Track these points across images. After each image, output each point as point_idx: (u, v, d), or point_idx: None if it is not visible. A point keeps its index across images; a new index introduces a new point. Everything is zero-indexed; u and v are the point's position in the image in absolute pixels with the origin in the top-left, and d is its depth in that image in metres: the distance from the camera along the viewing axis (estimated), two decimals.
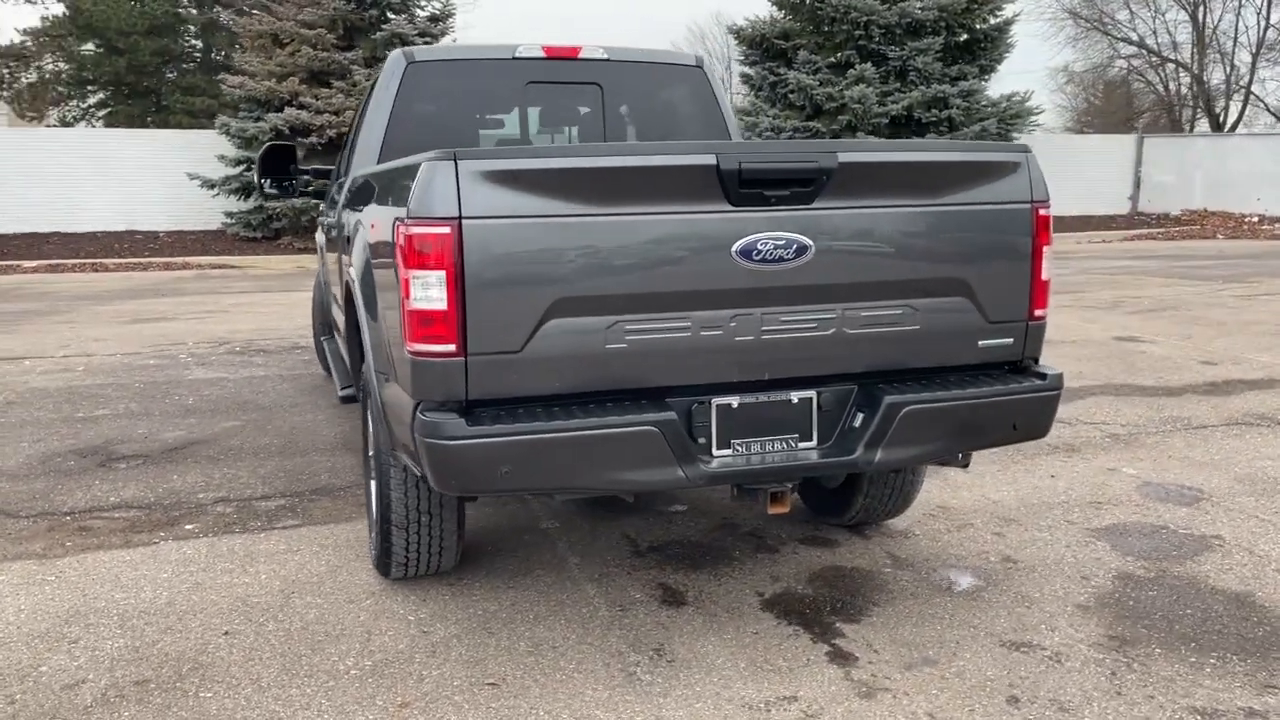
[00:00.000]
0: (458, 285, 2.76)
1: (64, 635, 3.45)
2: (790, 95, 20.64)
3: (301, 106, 17.38)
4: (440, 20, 18.63)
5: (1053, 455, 5.45)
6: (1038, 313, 3.35)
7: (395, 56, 4.85)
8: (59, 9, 31.85)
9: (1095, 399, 6.77)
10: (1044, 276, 3.34)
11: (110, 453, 5.73)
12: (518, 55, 4.95)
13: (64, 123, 32.72)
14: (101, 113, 32.26)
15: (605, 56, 5.06)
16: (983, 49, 21.09)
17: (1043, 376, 3.35)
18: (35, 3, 39.93)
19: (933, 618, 3.51)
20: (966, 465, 3.69)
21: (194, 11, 30.97)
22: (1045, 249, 3.32)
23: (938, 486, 4.89)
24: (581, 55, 5.04)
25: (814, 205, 3.01)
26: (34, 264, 17.93)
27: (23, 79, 33.47)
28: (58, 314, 11.90)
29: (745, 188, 2.92)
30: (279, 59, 17.75)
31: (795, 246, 2.99)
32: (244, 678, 3.15)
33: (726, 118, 5.23)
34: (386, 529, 3.55)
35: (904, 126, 20.45)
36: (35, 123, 33.48)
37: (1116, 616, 3.51)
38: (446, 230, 2.73)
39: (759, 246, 2.95)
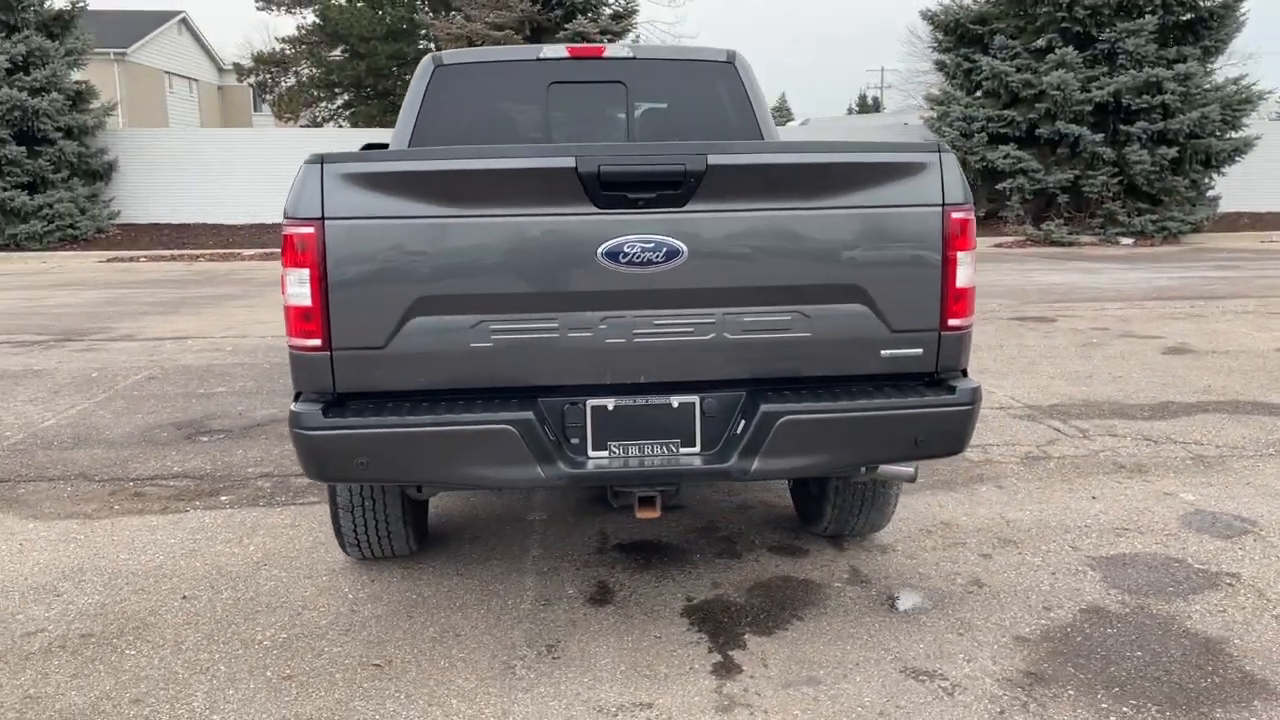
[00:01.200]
0: (321, 283, 2.90)
1: (54, 589, 3.85)
2: (985, 83, 19.70)
3: None
4: (622, 18, 18.96)
5: (1112, 475, 5.06)
6: (953, 322, 3.15)
7: (425, 61, 5.06)
8: (313, 18, 34.48)
9: (1205, 416, 6.19)
10: (961, 284, 3.13)
11: (201, 426, 6.28)
12: (542, 57, 5.05)
13: (314, 123, 35.51)
14: (347, 113, 34.79)
15: (630, 55, 5.08)
16: (1207, 28, 19.37)
17: (951, 390, 3.14)
18: (294, 12, 43.48)
19: (849, 637, 3.38)
20: (912, 479, 3.52)
21: (429, 16, 32.83)
22: (962, 255, 3.12)
23: (956, 501, 4.65)
24: (606, 54, 5.08)
25: (687, 208, 2.96)
26: (252, 252, 19.62)
27: (282, 83, 36.61)
28: (246, 298, 13.01)
29: (608, 190, 2.91)
30: None
31: (665, 250, 2.95)
32: (170, 639, 3.43)
33: (759, 114, 5.13)
34: (334, 511, 3.75)
35: (1110, 114, 19.11)
36: (291, 123, 36.57)
37: (1051, 653, 3.26)
38: (310, 230, 2.88)
39: (625, 249, 2.93)
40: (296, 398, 3.05)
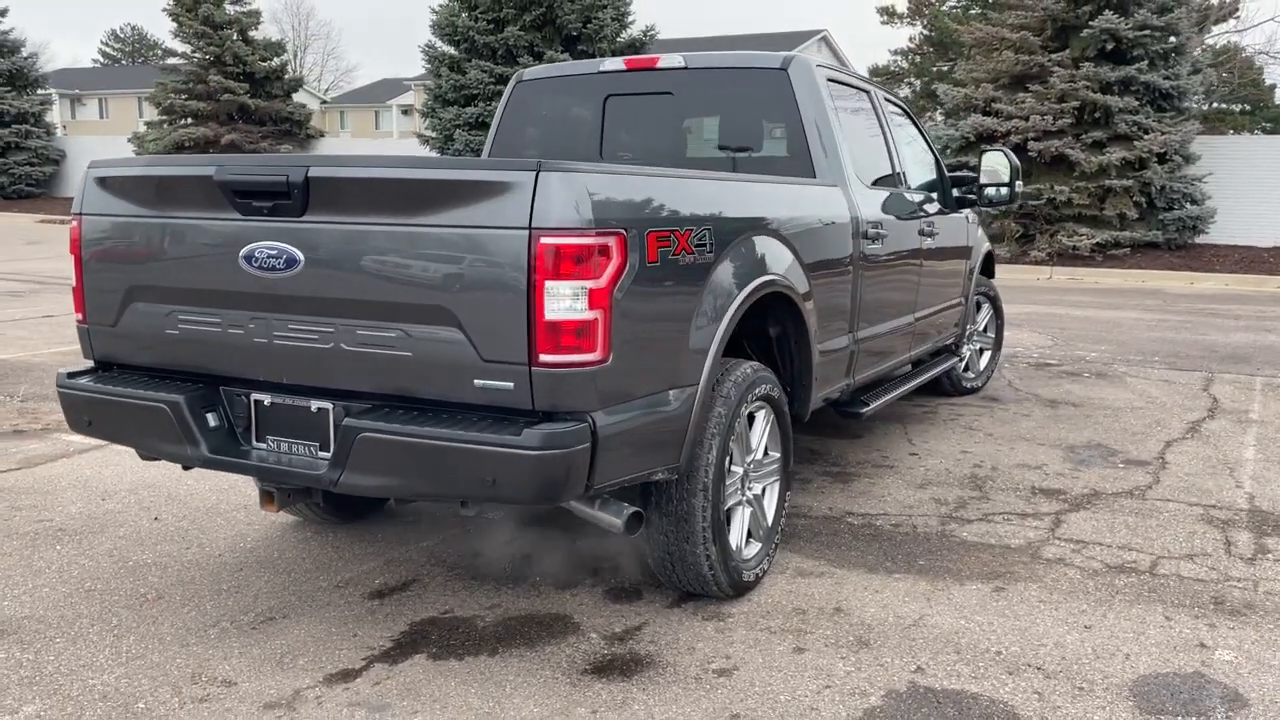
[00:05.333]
0: (81, 267, 3.54)
1: (110, 492, 4.98)
2: None
3: (991, 113, 17.20)
4: (1167, 11, 16.68)
5: (1140, 604, 3.79)
6: (545, 358, 2.81)
7: (515, 76, 5.42)
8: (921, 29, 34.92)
9: None
10: (553, 316, 2.79)
11: None
12: (602, 70, 5.12)
13: None
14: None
15: (682, 65, 4.94)
16: None
17: (517, 432, 2.82)
18: (912, 23, 44.27)
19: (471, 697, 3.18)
20: (620, 530, 3.22)
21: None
22: (554, 284, 2.78)
23: (908, 588, 3.89)
24: (659, 65, 5.00)
25: (305, 218, 3.06)
26: None
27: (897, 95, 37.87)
28: None
29: (239, 198, 3.13)
30: (988, 65, 17.76)
31: (286, 257, 3.09)
32: (107, 541, 4.30)
33: (805, 120, 4.67)
34: None
35: None
36: None
37: None
38: (75, 223, 3.53)
39: (257, 254, 3.14)
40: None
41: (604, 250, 2.85)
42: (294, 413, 3.23)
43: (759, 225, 3.77)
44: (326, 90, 69.40)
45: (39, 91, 31.89)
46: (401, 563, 4.11)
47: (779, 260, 3.88)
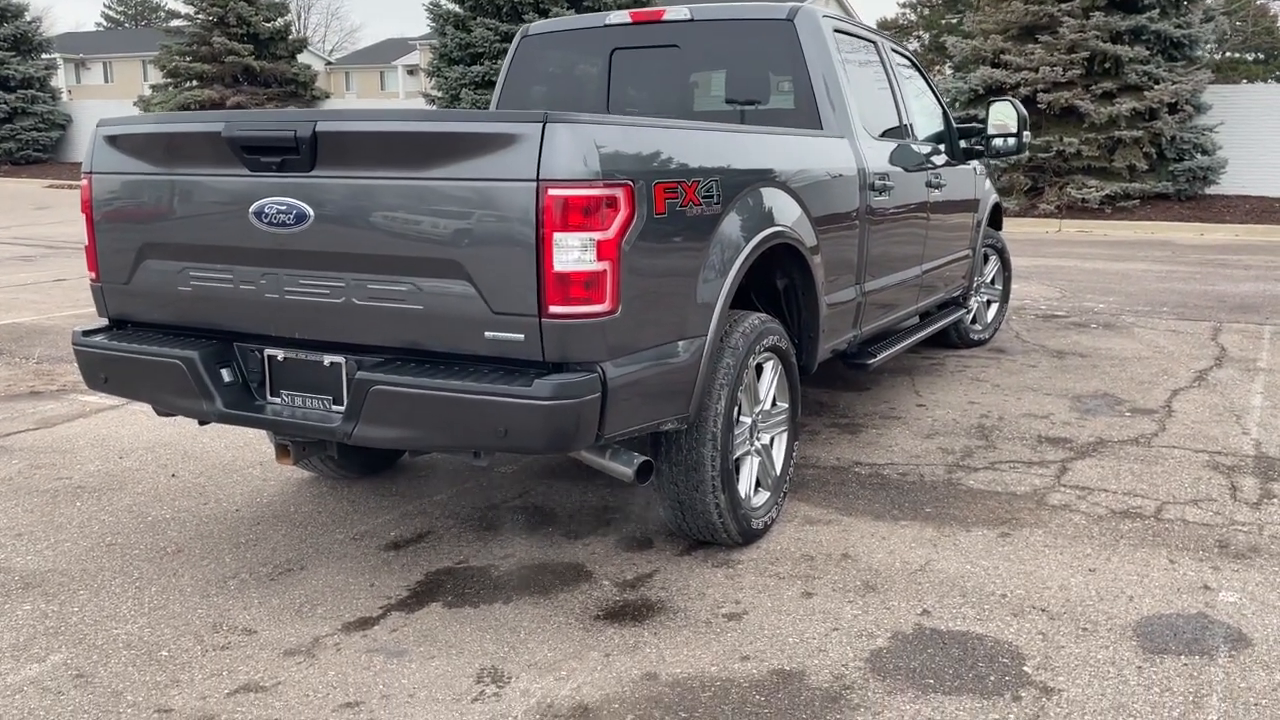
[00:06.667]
0: (93, 227, 3.57)
1: (128, 451, 5.05)
2: None
3: (1000, 65, 17.03)
4: None
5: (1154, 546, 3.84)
6: (555, 309, 2.85)
7: (520, 31, 5.41)
8: None
9: None
10: (562, 268, 2.82)
11: None
12: (608, 23, 5.11)
13: None
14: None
15: (689, 17, 4.92)
16: None
17: (528, 383, 2.86)
18: None
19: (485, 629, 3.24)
20: (630, 480, 3.27)
21: None
22: (562, 236, 2.81)
23: (933, 540, 3.94)
24: (665, 18, 4.98)
25: (314, 173, 3.09)
26: None
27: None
28: None
29: (248, 153, 3.16)
30: (996, 16, 17.56)
31: (296, 212, 3.12)
32: (126, 497, 4.37)
33: (811, 72, 4.66)
34: None
35: None
36: None
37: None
38: (85, 182, 3.56)
39: (267, 210, 3.17)
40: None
41: (612, 202, 2.87)
42: (307, 367, 3.28)
43: (766, 177, 3.78)
44: (331, 51, 68.97)
45: (43, 56, 31.76)
46: (416, 515, 4.17)
47: (786, 212, 3.90)
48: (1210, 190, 17.33)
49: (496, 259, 2.88)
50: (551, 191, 2.78)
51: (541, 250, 2.80)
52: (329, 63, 62.14)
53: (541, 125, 2.78)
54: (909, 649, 3.08)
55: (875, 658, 3.03)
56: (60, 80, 41.66)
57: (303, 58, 31.78)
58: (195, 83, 28.92)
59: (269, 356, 3.35)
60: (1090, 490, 4.38)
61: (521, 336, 2.89)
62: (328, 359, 3.23)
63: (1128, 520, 4.05)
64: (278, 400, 3.36)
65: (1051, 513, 4.14)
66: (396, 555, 3.78)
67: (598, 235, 2.84)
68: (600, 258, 2.85)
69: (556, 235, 2.79)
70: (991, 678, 2.92)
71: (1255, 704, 2.77)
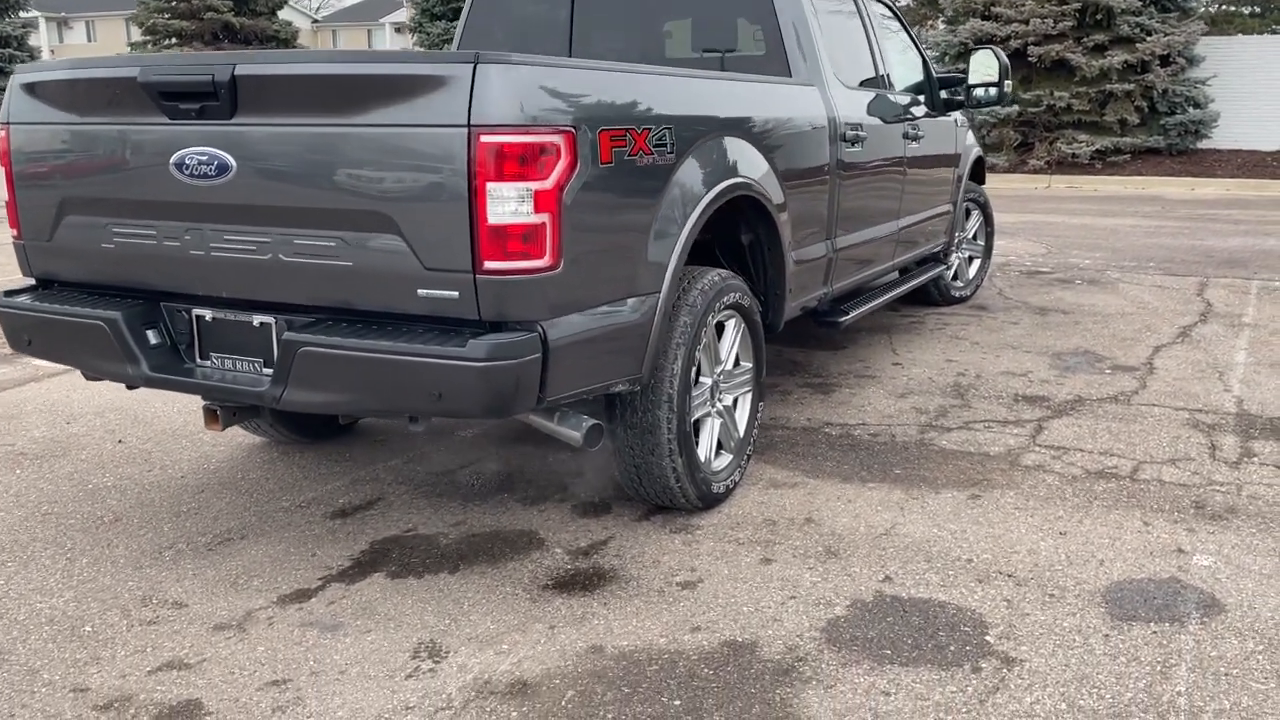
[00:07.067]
0: (12, 181, 3.38)
1: (76, 416, 4.88)
2: None
3: (991, 17, 16.74)
4: None
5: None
6: (490, 265, 2.68)
7: None
8: None
9: None
10: (496, 220, 2.65)
11: None
12: None
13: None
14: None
15: None
16: None
17: (462, 343, 2.70)
18: None
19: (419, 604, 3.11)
20: (579, 444, 3.12)
21: None
22: (496, 186, 2.63)
23: (902, 500, 3.80)
24: None
25: (234, 120, 2.90)
26: None
27: None
28: None
29: (165, 100, 2.97)
30: None
31: (217, 163, 2.94)
32: (68, 464, 4.22)
33: (780, 18, 4.46)
34: None
35: None
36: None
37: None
38: (3, 133, 3.36)
39: (187, 161, 2.98)
40: None
41: (550, 149, 2.70)
42: (236, 328, 3.11)
43: (725, 125, 3.60)
44: (318, 9, 67.94)
45: (21, 15, 31.11)
46: (367, 481, 4.03)
47: (748, 163, 3.72)
48: (1202, 144, 17.11)
49: (427, 211, 2.71)
50: (484, 138, 2.60)
51: (474, 202, 2.63)
52: (315, 21, 61.27)
53: (472, 66, 2.60)
54: (868, 618, 2.95)
55: (832, 627, 2.90)
56: (42, 40, 40.87)
57: (288, 14, 31.30)
58: (175, 40, 28.43)
59: (197, 317, 3.18)
60: (1065, 450, 4.25)
61: (456, 294, 2.72)
62: (257, 319, 3.07)
63: (1102, 481, 3.92)
64: (207, 363, 3.20)
65: (1024, 473, 4.00)
66: (343, 523, 3.64)
67: (535, 185, 2.66)
68: (539, 210, 2.68)
69: (490, 185, 2.62)
70: (951, 648, 2.79)
71: (1226, 673, 2.65)
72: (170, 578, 3.25)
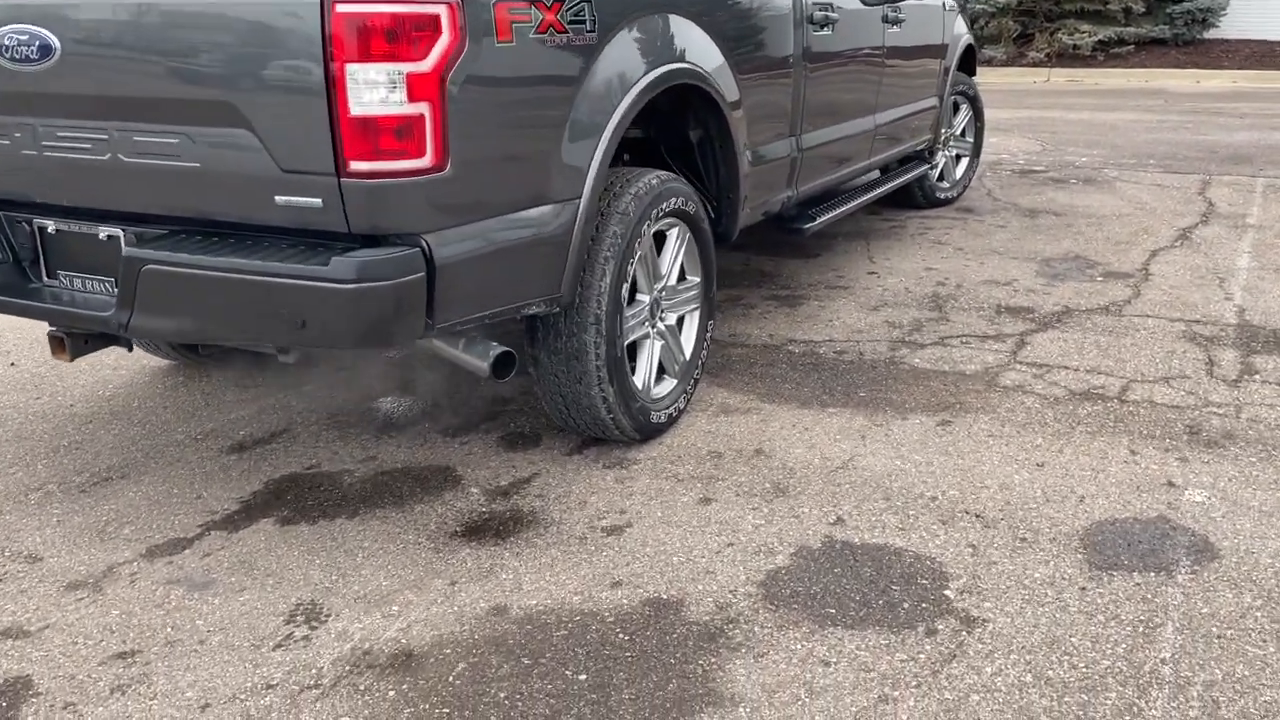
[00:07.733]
0: None
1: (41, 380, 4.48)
2: None
3: None
4: None
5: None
6: (357, 166, 2.24)
7: None
8: None
9: None
10: (361, 111, 2.20)
11: None
12: None
13: None
14: None
15: None
16: None
17: (325, 261, 2.27)
18: None
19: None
20: (485, 374, 2.70)
21: None
22: (359, 69, 2.17)
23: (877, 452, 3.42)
24: None
25: None
26: None
27: None
28: None
29: None
30: None
31: (39, 44, 2.47)
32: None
33: None
34: None
35: None
36: None
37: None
38: None
39: (6, 41, 2.52)
40: None
41: (427, 22, 2.23)
42: (83, 242, 2.69)
43: (662, 1, 3.10)
44: None
45: None
46: (275, 411, 3.64)
47: (691, 46, 3.24)
48: (1209, 34, 16.35)
49: (280, 101, 2.26)
50: (340, 7, 2.14)
51: (333, 88, 2.18)
52: None
53: None
54: (813, 569, 2.59)
55: (771, 581, 2.54)
56: None
57: None
58: None
59: (39, 228, 2.75)
60: (1048, 368, 3.85)
61: (319, 201, 2.29)
62: (104, 231, 2.64)
63: (1087, 403, 3.53)
64: (56, 282, 2.77)
65: (1002, 395, 3.61)
66: (238, 459, 3.26)
67: (409, 67, 2.20)
68: (415, 97, 2.23)
69: (351, 67, 2.16)
70: (905, 605, 2.43)
71: (1218, 635, 2.30)
72: (31, 525, 2.88)
